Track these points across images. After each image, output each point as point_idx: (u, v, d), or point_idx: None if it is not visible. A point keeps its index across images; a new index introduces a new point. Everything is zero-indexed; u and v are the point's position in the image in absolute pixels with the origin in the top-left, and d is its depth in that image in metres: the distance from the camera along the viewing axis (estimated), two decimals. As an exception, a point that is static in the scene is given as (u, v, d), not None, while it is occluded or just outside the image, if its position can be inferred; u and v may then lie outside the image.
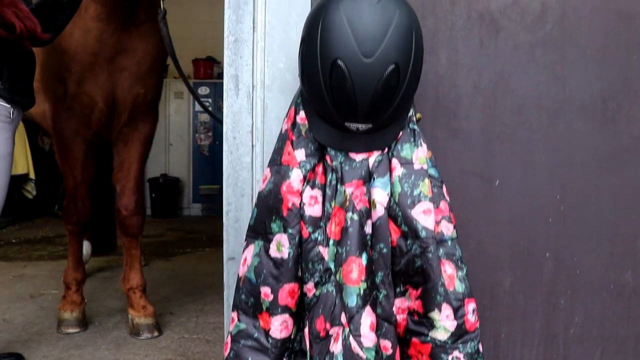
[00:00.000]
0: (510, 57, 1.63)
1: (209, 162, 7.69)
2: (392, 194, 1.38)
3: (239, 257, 1.59)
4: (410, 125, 1.44)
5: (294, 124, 1.43)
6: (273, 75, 1.59)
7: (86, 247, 3.97)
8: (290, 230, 1.37)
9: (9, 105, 2.31)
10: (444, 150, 1.61)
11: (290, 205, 1.37)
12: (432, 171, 1.43)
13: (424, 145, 1.43)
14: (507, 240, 1.67)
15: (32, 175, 6.12)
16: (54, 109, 2.96)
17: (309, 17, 1.35)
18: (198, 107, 7.73)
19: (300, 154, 1.39)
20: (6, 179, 2.38)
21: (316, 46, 1.29)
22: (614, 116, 1.66)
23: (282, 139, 1.45)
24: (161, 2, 2.38)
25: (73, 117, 2.91)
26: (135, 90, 2.91)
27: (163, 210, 7.41)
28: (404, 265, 1.38)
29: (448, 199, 1.43)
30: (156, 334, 3.07)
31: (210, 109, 7.62)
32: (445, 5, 1.61)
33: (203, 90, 7.65)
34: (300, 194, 1.38)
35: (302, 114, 1.42)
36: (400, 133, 1.42)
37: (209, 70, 7.72)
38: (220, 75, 6.69)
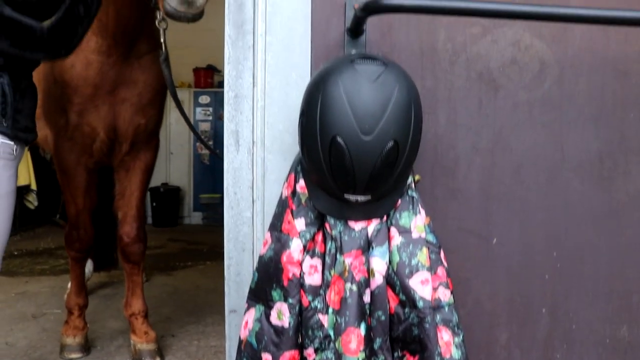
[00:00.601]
0: (509, 116, 1.65)
1: (209, 171, 7.72)
2: (390, 263, 1.40)
3: (240, 310, 1.61)
4: (409, 192, 1.46)
5: (294, 192, 1.45)
6: (273, 135, 1.61)
7: (88, 265, 3.99)
8: (290, 300, 1.40)
9: (12, 143, 2.32)
10: (442, 210, 1.63)
11: (290, 275, 1.40)
12: (430, 237, 1.45)
13: (422, 212, 1.45)
14: (504, 296, 1.69)
15: (33, 187, 6.17)
16: (56, 138, 2.98)
17: (308, 90, 1.37)
18: (198, 116, 7.77)
19: (300, 224, 1.42)
20: (10, 216, 2.39)
21: (315, 121, 1.31)
22: (611, 174, 1.67)
23: (282, 205, 1.48)
24: (163, 44, 2.39)
25: (75, 147, 2.94)
26: (136, 121, 2.93)
27: (164, 219, 7.45)
28: (402, 333, 1.40)
29: (446, 264, 1.46)
30: (158, 359, 3.10)
31: (210, 118, 7.70)
32: (444, 65, 1.63)
33: (204, 99, 7.68)
34: (300, 264, 1.40)
35: (301, 182, 1.44)
36: (399, 201, 1.44)
37: (210, 79, 7.74)
38: (221, 84, 6.70)
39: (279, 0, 1.60)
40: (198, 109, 7.75)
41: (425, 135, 1.46)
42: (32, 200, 6.26)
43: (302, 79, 1.59)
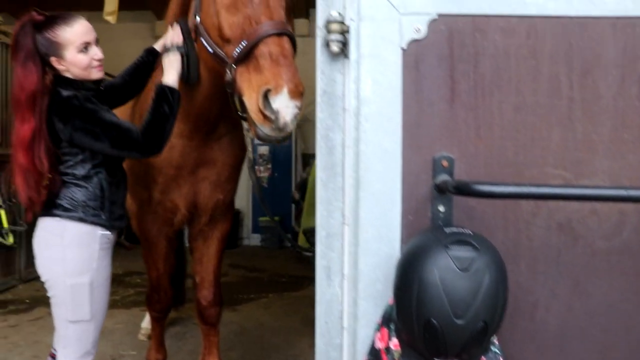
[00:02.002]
0: (587, 264, 1.73)
1: (268, 193, 7.93)
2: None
3: None
4: (492, 349, 1.57)
5: (388, 349, 1.58)
6: (365, 283, 1.74)
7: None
8: None
9: (109, 233, 2.55)
10: (520, 353, 1.73)
11: None
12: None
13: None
14: None
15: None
16: (139, 211, 3.19)
17: (403, 267, 1.50)
18: (257, 140, 7.94)
19: (394, 381, 1.55)
20: (107, 299, 2.61)
21: (411, 301, 1.43)
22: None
23: (376, 356, 1.61)
24: (251, 165, 2.49)
25: (157, 219, 3.14)
26: (215, 197, 3.11)
27: (225, 241, 7.68)
28: None
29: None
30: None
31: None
32: (527, 217, 1.72)
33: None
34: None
35: (395, 340, 1.57)
36: (483, 358, 1.56)
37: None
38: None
39: (371, 157, 1.72)
40: (257, 134, 7.93)
41: (506, 283, 1.57)
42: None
43: (391, 232, 1.72)
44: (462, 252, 1.42)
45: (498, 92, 1.71)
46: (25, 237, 5.97)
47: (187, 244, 3.65)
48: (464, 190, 1.49)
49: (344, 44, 1.76)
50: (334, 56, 1.78)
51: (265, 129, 2.09)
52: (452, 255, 1.42)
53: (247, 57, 2.13)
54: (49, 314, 4.93)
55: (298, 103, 2.04)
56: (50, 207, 2.43)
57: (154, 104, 2.44)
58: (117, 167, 2.60)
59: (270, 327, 4.84)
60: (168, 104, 2.44)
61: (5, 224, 5.73)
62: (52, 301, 2.52)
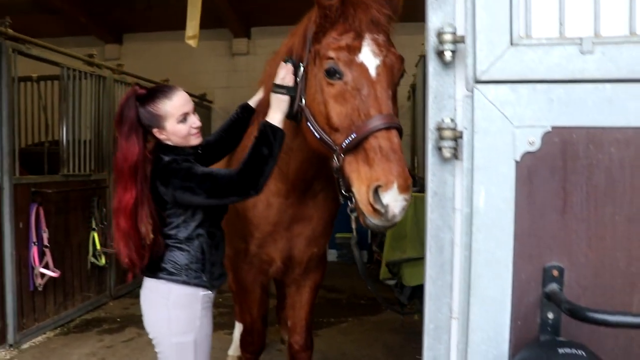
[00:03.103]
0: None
1: (343, 211, 7.98)
2: None
3: None
4: None
5: None
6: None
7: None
8: None
9: (210, 292, 2.70)
10: None
11: None
12: None
13: None
14: None
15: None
16: (235, 259, 3.34)
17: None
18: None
19: None
20: (209, 353, 2.77)
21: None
22: None
23: None
24: (354, 230, 2.54)
25: (252, 269, 3.29)
26: (310, 251, 3.22)
27: (303, 257, 7.85)
28: None
29: None
30: None
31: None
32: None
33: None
34: None
35: None
36: None
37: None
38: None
39: (482, 265, 1.77)
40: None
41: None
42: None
43: (500, 336, 1.77)
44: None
45: (611, 203, 1.72)
46: (115, 258, 6.34)
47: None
48: (577, 315, 1.52)
49: (455, 148, 1.82)
50: (445, 160, 1.84)
51: (374, 220, 2.15)
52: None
53: (356, 148, 2.19)
54: (139, 334, 5.24)
55: (407, 196, 2.10)
56: (155, 270, 2.61)
57: (255, 143, 2.47)
58: (216, 227, 2.75)
59: (353, 357, 4.94)
60: (269, 145, 2.44)
61: (98, 245, 6.08)
62: (159, 356, 2.69)
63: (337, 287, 7.00)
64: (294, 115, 2.56)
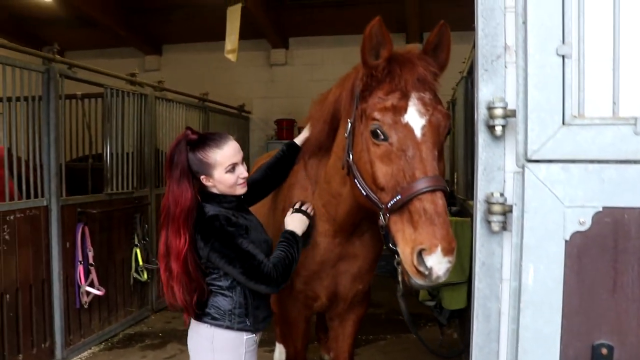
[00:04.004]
0: None
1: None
2: None
3: None
4: None
5: None
6: None
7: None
8: None
9: (254, 335, 2.75)
10: None
11: None
12: None
13: None
14: None
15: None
16: (281, 295, 3.38)
17: None
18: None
19: None
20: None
21: None
22: None
23: None
24: (400, 282, 2.57)
25: (297, 304, 3.33)
26: (355, 288, 3.25)
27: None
28: None
29: None
30: None
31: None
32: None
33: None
34: None
35: None
36: None
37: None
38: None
39: (530, 341, 1.78)
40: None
41: None
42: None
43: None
44: None
45: (663, 284, 1.72)
46: (156, 273, 6.50)
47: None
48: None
49: (504, 222, 1.83)
50: (493, 232, 1.85)
51: (418, 281, 2.18)
52: None
53: (401, 208, 2.21)
54: (181, 350, 5.34)
55: (451, 258, 2.11)
56: (200, 314, 2.66)
57: (287, 245, 2.68)
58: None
59: (391, 380, 4.97)
60: (297, 249, 2.71)
61: (140, 261, 6.22)
62: (207, 397, 2.75)
63: (375, 302, 6.98)
64: (342, 166, 2.60)
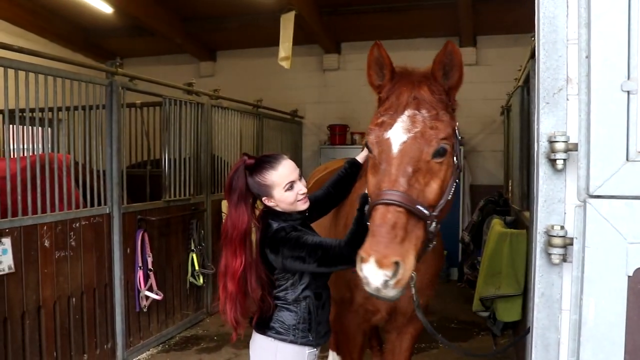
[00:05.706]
0: None
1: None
2: None
3: None
4: None
5: None
6: None
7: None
8: None
9: (315, 350, 2.82)
10: None
11: None
12: None
13: None
14: None
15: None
16: (339, 305, 3.43)
17: None
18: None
19: None
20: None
21: None
22: None
23: None
24: (414, 295, 2.65)
25: (357, 317, 3.37)
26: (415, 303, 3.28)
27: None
28: None
29: None
30: None
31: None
32: None
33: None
34: None
35: None
36: None
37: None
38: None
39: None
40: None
41: None
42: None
43: None
44: None
45: None
46: (212, 277, 6.70)
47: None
48: None
49: (564, 254, 1.84)
50: (553, 264, 1.86)
51: (366, 288, 2.23)
52: None
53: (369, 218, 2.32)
54: (236, 354, 5.46)
55: (388, 272, 2.13)
56: (264, 327, 2.76)
57: (359, 216, 2.59)
58: (323, 287, 2.87)
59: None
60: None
61: (197, 266, 6.39)
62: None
63: (427, 308, 6.99)
64: None
